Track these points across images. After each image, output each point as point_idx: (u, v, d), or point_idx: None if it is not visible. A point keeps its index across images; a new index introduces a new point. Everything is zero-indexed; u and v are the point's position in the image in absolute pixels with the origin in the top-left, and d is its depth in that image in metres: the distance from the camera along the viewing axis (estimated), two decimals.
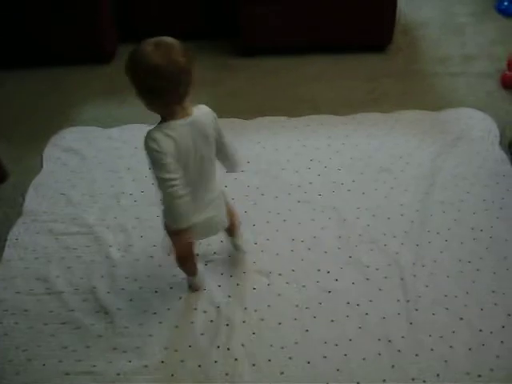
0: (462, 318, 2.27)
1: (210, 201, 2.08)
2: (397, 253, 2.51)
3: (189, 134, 1.85)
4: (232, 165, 2.17)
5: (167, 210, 1.97)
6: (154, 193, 2.78)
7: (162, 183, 1.84)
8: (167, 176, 1.82)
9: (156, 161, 1.81)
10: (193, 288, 2.42)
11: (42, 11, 3.67)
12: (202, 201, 2.05)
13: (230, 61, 3.87)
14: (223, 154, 2.08)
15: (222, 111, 3.33)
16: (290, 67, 3.75)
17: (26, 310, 2.41)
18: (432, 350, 2.17)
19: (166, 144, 1.79)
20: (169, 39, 1.76)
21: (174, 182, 1.84)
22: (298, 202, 2.77)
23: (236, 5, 3.69)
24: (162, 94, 1.76)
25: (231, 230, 2.42)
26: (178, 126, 1.82)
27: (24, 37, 3.79)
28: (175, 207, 1.88)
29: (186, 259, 2.29)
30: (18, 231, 2.76)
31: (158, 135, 1.79)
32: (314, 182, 2.87)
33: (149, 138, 1.80)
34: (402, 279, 2.41)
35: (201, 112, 1.91)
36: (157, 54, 1.69)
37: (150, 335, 2.28)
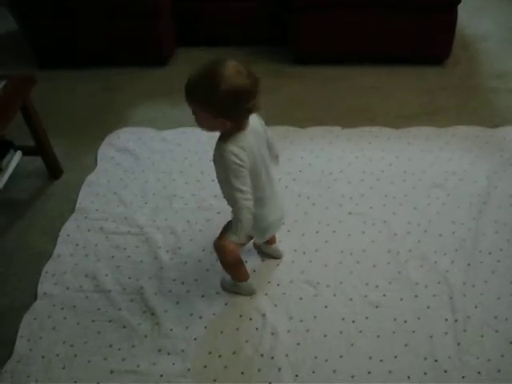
0: (511, 342, 2.21)
1: (277, 198, 2.20)
2: (447, 271, 2.46)
3: (254, 142, 1.94)
4: (274, 157, 2.27)
5: (236, 223, 1.99)
6: (204, 197, 2.84)
7: (240, 195, 1.92)
8: (245, 188, 1.91)
9: (237, 173, 1.89)
10: (245, 293, 2.42)
11: (103, 13, 3.73)
12: (273, 201, 2.16)
13: (285, 68, 3.87)
14: (269, 147, 2.17)
15: (276, 119, 3.39)
16: (345, 77, 3.73)
17: (74, 306, 2.45)
18: (479, 373, 2.12)
19: (244, 156, 1.88)
20: (233, 59, 1.80)
21: (250, 196, 1.94)
22: (349, 213, 2.75)
23: (290, 12, 3.69)
24: (242, 113, 1.84)
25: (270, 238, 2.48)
26: (246, 137, 1.90)
27: (83, 37, 3.86)
28: (247, 221, 1.97)
29: (238, 265, 2.33)
30: (69, 227, 2.81)
31: (236, 149, 1.87)
32: (365, 194, 2.84)
33: (228, 153, 1.86)
34: (451, 298, 2.36)
35: (252, 118, 1.96)
36: (237, 76, 1.76)
37: (195, 339, 2.29)
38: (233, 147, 1.87)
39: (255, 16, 3.94)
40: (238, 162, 1.87)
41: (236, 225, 1.99)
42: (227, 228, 2.13)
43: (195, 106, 1.82)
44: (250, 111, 1.86)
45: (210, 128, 1.90)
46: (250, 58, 3.96)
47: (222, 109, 1.78)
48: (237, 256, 2.24)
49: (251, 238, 2.25)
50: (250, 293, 2.42)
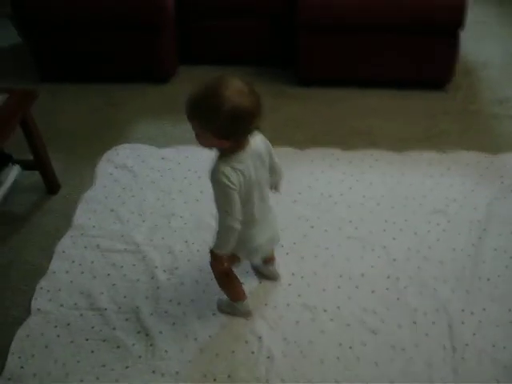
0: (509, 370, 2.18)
1: (270, 220, 2.17)
2: (446, 298, 2.44)
3: (251, 163, 1.91)
4: (277, 180, 2.27)
5: (219, 236, 2.00)
6: (203, 217, 2.82)
7: (225, 216, 1.92)
8: (232, 211, 1.89)
9: (226, 195, 1.87)
10: (241, 314, 2.39)
11: (106, 27, 3.73)
12: (264, 223, 2.12)
13: (287, 89, 3.86)
14: (272, 171, 2.15)
15: (276, 139, 3.32)
16: (347, 99, 3.73)
17: (68, 324, 2.42)
18: None
19: (235, 179, 1.86)
20: (235, 78, 1.78)
21: (236, 217, 1.91)
22: (348, 237, 2.73)
23: (295, 34, 3.70)
24: (243, 133, 1.82)
25: (268, 258, 2.47)
26: (243, 158, 1.88)
27: (85, 51, 3.86)
28: (228, 238, 1.97)
29: (230, 280, 2.31)
30: (66, 244, 2.78)
31: (228, 170, 1.85)
32: (365, 218, 2.82)
33: (219, 173, 1.84)
34: (449, 326, 2.33)
35: (255, 139, 1.94)
36: (239, 97, 1.73)
37: (190, 361, 2.26)
38: (226, 168, 1.84)
39: (258, 36, 3.95)
40: (227, 183, 1.84)
41: (218, 239, 2.01)
42: None
43: (195, 125, 1.80)
44: (251, 131, 1.84)
45: (208, 146, 1.88)
46: (251, 78, 3.94)
47: (222, 129, 1.76)
48: (226, 268, 2.18)
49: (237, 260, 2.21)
50: (246, 314, 2.39)
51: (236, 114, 1.72)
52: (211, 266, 2.21)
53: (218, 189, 1.88)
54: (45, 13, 3.72)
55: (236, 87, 1.73)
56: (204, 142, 1.86)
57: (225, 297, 2.38)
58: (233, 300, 2.37)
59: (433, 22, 3.48)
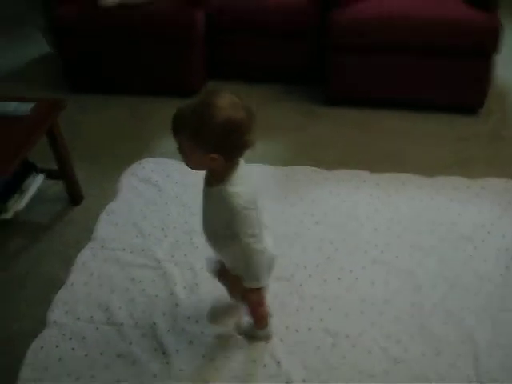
0: None
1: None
2: (473, 330, 2.35)
3: (248, 176, 1.82)
4: None
5: (253, 268, 1.88)
6: None
7: (252, 239, 1.80)
8: (257, 231, 1.81)
9: (246, 217, 1.76)
10: (263, 338, 2.32)
11: (136, 39, 3.75)
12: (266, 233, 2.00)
13: (315, 108, 3.83)
14: None
15: (302, 159, 3.35)
16: (377, 120, 3.68)
17: (83, 338, 2.38)
18: None
19: (249, 197, 1.76)
20: (227, 92, 1.69)
21: (260, 238, 1.82)
22: (373, 261, 2.66)
23: (324, 53, 3.67)
24: (236, 149, 1.71)
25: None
26: (244, 175, 1.78)
27: (114, 63, 3.88)
28: (263, 264, 1.87)
29: (264, 311, 2.23)
30: (85, 256, 2.75)
31: (239, 189, 1.74)
32: (391, 242, 2.76)
33: (232, 197, 1.73)
34: (476, 359, 2.25)
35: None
36: (232, 108, 1.64)
37: (206, 382, 2.20)
38: (237, 188, 1.74)
39: (287, 54, 3.93)
40: (244, 204, 1.74)
41: (252, 271, 1.89)
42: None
43: (184, 140, 1.68)
44: (245, 147, 1.72)
45: (198, 165, 1.77)
46: (280, 96, 3.95)
47: (213, 143, 1.64)
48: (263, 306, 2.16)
49: None
50: (267, 338, 2.33)
51: (229, 125, 1.62)
52: (250, 303, 2.13)
53: (238, 214, 1.75)
54: (77, 24, 3.75)
55: (229, 99, 1.65)
56: (193, 161, 1.74)
57: (245, 321, 2.32)
58: (259, 328, 2.30)
59: (469, 44, 3.43)
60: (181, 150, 1.71)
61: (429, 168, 3.25)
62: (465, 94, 3.65)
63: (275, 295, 2.50)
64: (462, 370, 2.22)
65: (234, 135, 1.65)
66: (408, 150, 3.43)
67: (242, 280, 1.97)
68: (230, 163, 1.74)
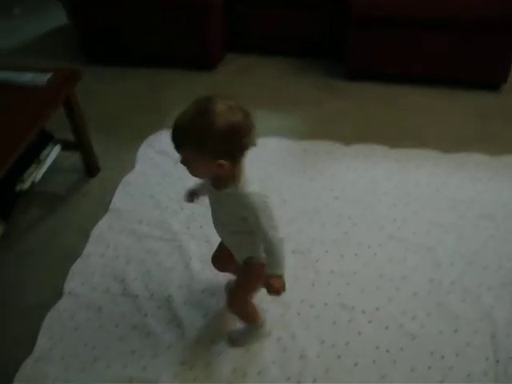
0: None
1: None
2: (491, 307, 2.32)
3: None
4: None
5: (278, 257, 1.86)
6: None
7: (273, 232, 1.78)
8: (276, 223, 1.78)
9: (266, 211, 1.75)
10: (261, 337, 2.27)
11: (154, 10, 3.71)
12: None
13: (333, 83, 3.78)
14: None
15: (320, 133, 3.31)
16: (396, 96, 3.63)
17: (99, 309, 2.38)
18: None
19: (263, 192, 1.74)
20: (220, 97, 1.64)
21: (279, 226, 1.80)
22: (391, 237, 2.63)
23: (345, 27, 3.61)
24: (240, 150, 1.68)
25: None
26: (251, 178, 1.76)
27: (133, 35, 3.85)
28: (283, 251, 1.84)
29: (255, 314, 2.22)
30: (102, 227, 2.75)
31: (254, 188, 1.73)
32: (409, 218, 2.72)
33: (251, 196, 1.72)
34: (493, 336, 2.22)
35: None
36: (230, 112, 1.60)
37: (220, 354, 2.19)
38: (251, 187, 1.72)
39: (307, 27, 3.87)
40: (262, 199, 1.73)
41: (275, 261, 1.86)
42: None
43: (188, 152, 1.64)
44: (248, 147, 1.69)
45: (206, 174, 1.75)
46: (298, 69, 3.90)
47: (219, 149, 1.62)
48: (251, 307, 2.16)
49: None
50: (268, 333, 2.27)
51: (230, 128, 1.59)
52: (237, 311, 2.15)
53: (258, 212, 1.74)
54: None
55: (225, 104, 1.61)
56: (200, 171, 1.71)
57: (236, 331, 2.27)
58: (255, 325, 2.25)
59: (495, 18, 3.35)
60: (185, 162, 1.68)
61: (450, 144, 3.20)
62: (488, 70, 3.58)
63: (290, 269, 2.48)
64: (479, 347, 2.19)
65: (236, 138, 1.62)
66: (429, 126, 3.37)
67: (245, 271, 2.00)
68: (236, 165, 1.71)
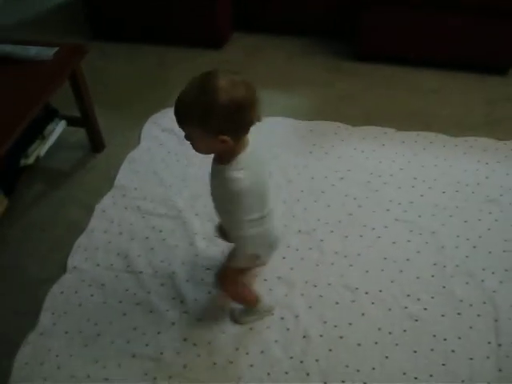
0: None
1: (273, 212, 1.99)
2: (494, 291, 2.32)
3: (255, 160, 1.76)
4: None
5: (236, 249, 1.91)
6: None
7: (246, 224, 1.79)
8: (251, 217, 1.79)
9: (243, 202, 1.73)
10: (264, 314, 2.28)
11: None
12: (273, 214, 1.96)
13: (343, 63, 3.74)
14: None
15: (327, 114, 3.29)
16: (406, 78, 3.59)
17: (102, 284, 2.39)
18: None
19: (247, 182, 1.69)
20: (224, 72, 1.62)
21: (255, 223, 1.81)
22: (396, 220, 2.62)
23: (359, 7, 3.57)
24: (243, 127, 1.66)
25: None
26: (248, 157, 1.72)
27: (140, 10, 3.81)
28: (247, 249, 1.90)
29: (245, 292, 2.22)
30: (106, 203, 2.76)
31: (239, 174, 1.68)
32: (415, 201, 2.71)
33: (232, 181, 1.68)
34: (496, 320, 2.22)
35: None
36: (234, 87, 1.57)
37: (223, 332, 2.21)
38: (237, 173, 1.68)
39: (316, 6, 3.82)
40: (240, 190, 1.69)
41: (238, 253, 1.90)
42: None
43: (191, 128, 1.62)
44: (252, 123, 1.67)
45: (209, 150, 1.72)
46: (307, 49, 3.86)
47: (222, 124, 1.59)
48: (241, 287, 2.16)
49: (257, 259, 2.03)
50: (269, 310, 2.28)
51: (234, 104, 1.56)
52: (226, 288, 2.15)
53: (233, 198, 1.72)
54: None
55: (228, 79, 1.58)
56: (204, 147, 1.69)
57: (237, 308, 2.29)
58: (251, 307, 2.25)
59: (507, 2, 3.29)
60: (189, 137, 1.66)
61: (457, 128, 3.18)
62: (497, 53, 3.53)
63: (295, 249, 2.49)
64: (482, 331, 2.20)
65: (240, 114, 1.59)
66: (436, 109, 3.34)
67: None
68: (238, 142, 1.69)
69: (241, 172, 1.68)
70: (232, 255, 1.98)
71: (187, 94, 1.60)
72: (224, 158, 1.72)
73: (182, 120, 1.62)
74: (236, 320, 2.27)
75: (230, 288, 2.14)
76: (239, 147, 1.70)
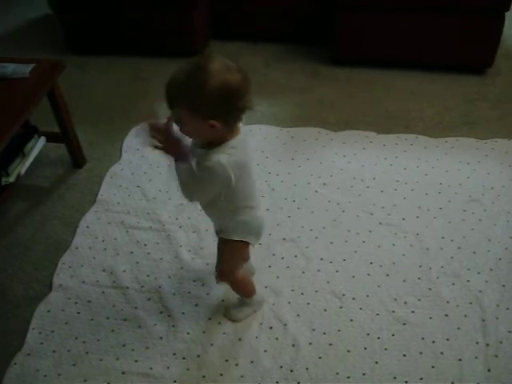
0: None
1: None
2: (480, 291, 2.34)
3: (245, 146, 1.75)
4: None
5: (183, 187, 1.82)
6: None
7: (193, 193, 1.80)
8: (201, 197, 1.82)
9: (210, 185, 1.73)
10: (257, 307, 2.30)
11: (140, 2, 3.67)
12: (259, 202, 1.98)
13: (321, 68, 3.75)
14: None
15: (307, 120, 3.30)
16: (383, 81, 3.61)
17: (89, 301, 2.37)
18: None
19: (229, 171, 1.66)
20: (218, 55, 1.62)
21: (199, 201, 1.86)
22: (380, 223, 2.63)
23: (333, 12, 3.58)
24: (234, 113, 1.63)
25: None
26: (239, 143, 1.70)
27: (116, 23, 3.80)
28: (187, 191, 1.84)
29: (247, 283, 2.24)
30: (89, 219, 2.73)
31: (224, 159, 1.65)
32: (398, 204, 2.72)
33: (214, 163, 1.64)
34: (483, 320, 2.23)
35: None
36: (227, 71, 1.56)
37: (212, 345, 2.19)
38: (224, 159, 1.64)
39: (292, 12, 3.83)
40: (221, 177, 1.66)
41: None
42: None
43: (180, 110, 1.60)
44: (243, 111, 1.64)
45: (199, 135, 1.70)
46: (284, 55, 3.87)
47: (212, 108, 1.57)
48: (241, 275, 2.16)
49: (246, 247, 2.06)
50: (261, 302, 2.31)
51: (225, 88, 1.55)
52: (228, 276, 2.14)
53: (208, 175, 1.67)
54: None
55: (222, 63, 1.57)
56: (193, 132, 1.67)
57: (233, 306, 2.30)
58: (248, 297, 2.26)
59: (482, 1, 3.34)
60: (178, 120, 1.64)
61: (437, 129, 3.20)
62: (474, 54, 3.56)
63: (280, 257, 2.49)
64: (469, 331, 2.21)
65: (231, 99, 1.58)
66: (416, 110, 3.37)
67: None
68: (229, 129, 1.67)
69: (224, 156, 1.65)
70: (221, 251, 2.01)
71: (178, 76, 1.58)
72: (212, 144, 1.68)
73: (171, 101, 1.61)
74: (233, 317, 2.27)
75: (233, 277, 2.13)
76: (229, 135, 1.68)
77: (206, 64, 1.55)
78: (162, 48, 3.90)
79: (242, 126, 1.74)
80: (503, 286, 2.35)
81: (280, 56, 3.88)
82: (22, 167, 2.78)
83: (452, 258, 2.47)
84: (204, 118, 1.58)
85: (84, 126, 3.21)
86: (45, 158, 3.05)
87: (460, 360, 2.12)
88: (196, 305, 2.33)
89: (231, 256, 2.05)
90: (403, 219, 2.65)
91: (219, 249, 2.07)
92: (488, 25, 3.44)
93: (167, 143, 1.71)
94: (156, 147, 1.75)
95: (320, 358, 2.14)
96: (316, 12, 3.78)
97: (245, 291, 2.25)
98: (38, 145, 2.88)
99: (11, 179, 2.72)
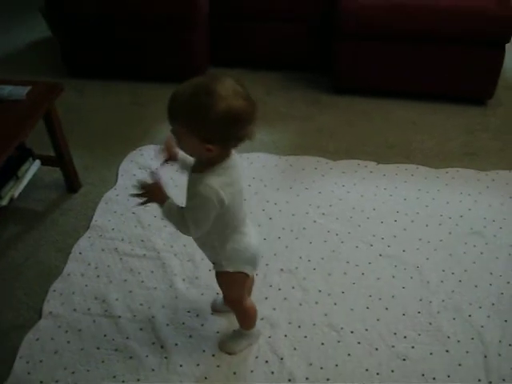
0: None
1: (250, 224, 1.95)
2: (482, 326, 2.28)
3: (235, 173, 1.72)
4: None
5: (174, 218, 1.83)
6: None
7: (190, 226, 1.75)
8: (201, 226, 1.75)
9: (206, 211, 1.68)
10: (254, 340, 2.23)
11: (138, 24, 3.65)
12: (250, 226, 1.93)
13: (322, 97, 3.73)
14: None
15: (308, 148, 3.26)
16: (384, 110, 3.59)
17: (79, 330, 2.30)
18: None
19: (222, 195, 1.64)
20: (230, 77, 1.57)
21: (199, 231, 1.77)
22: (380, 255, 2.58)
23: (332, 41, 3.57)
24: (234, 140, 1.60)
25: None
26: (232, 167, 1.68)
27: (116, 48, 3.79)
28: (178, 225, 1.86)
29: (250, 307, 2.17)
30: (83, 245, 2.67)
31: (217, 183, 1.63)
32: (398, 235, 2.68)
33: (207, 187, 1.62)
34: (485, 356, 2.17)
35: None
36: (235, 97, 1.52)
37: (206, 378, 2.12)
38: (215, 181, 1.62)
39: (294, 40, 3.83)
40: (214, 200, 1.63)
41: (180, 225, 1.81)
42: None
43: (180, 127, 1.57)
44: (242, 140, 1.61)
45: (192, 153, 1.67)
46: (285, 83, 3.85)
47: (212, 134, 1.53)
48: (252, 306, 2.13)
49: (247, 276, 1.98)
50: (258, 336, 2.24)
51: (230, 116, 1.50)
52: (235, 304, 2.10)
53: (199, 201, 1.66)
54: (76, 8, 3.65)
55: (231, 87, 1.52)
56: (188, 149, 1.65)
57: (228, 338, 2.24)
58: (249, 328, 2.20)
59: (481, 34, 3.34)
60: (175, 134, 1.61)
61: (437, 159, 3.17)
62: (474, 85, 3.55)
63: (277, 288, 2.44)
64: (471, 368, 2.15)
65: (233, 127, 1.54)
66: (416, 140, 3.34)
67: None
68: (223, 153, 1.64)
69: (217, 180, 1.62)
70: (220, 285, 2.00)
71: (184, 91, 1.53)
72: (204, 165, 1.65)
73: (171, 116, 1.56)
74: (229, 349, 2.20)
75: (239, 305, 2.08)
76: (222, 157, 1.64)
77: (213, 86, 1.50)
78: (161, 73, 3.88)
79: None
80: (505, 321, 2.30)
81: (281, 84, 3.86)
82: (15, 190, 2.73)
83: (453, 291, 2.42)
84: (201, 140, 1.55)
85: (80, 150, 3.17)
86: (39, 181, 3.00)
87: None
88: (190, 336, 2.26)
89: (230, 288, 2.01)
90: (403, 251, 2.60)
91: (217, 282, 2.03)
92: (489, 56, 3.43)
93: (149, 194, 1.80)
94: (142, 203, 1.84)
95: None
96: (316, 40, 3.77)
97: (247, 322, 2.18)
98: (33, 168, 2.83)
99: (4, 202, 2.67)
